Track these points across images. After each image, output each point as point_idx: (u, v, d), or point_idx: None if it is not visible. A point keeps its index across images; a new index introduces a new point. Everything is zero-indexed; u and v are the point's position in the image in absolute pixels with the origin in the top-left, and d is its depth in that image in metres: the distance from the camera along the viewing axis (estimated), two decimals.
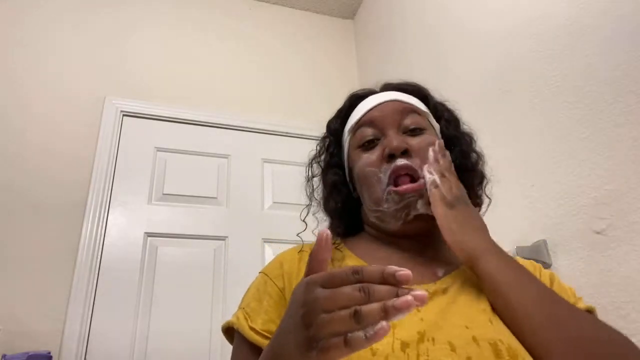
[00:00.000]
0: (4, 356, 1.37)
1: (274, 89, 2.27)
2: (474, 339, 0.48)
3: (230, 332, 0.63)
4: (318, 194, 0.78)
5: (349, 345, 0.34)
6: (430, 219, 0.61)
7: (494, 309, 0.54)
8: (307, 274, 0.41)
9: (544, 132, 1.14)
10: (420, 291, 0.34)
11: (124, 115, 1.95)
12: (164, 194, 1.89)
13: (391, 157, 0.63)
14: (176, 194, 1.90)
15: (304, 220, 0.75)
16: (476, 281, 0.59)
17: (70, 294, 1.59)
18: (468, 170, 0.71)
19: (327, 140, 0.78)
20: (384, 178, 0.63)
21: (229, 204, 1.94)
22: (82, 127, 1.86)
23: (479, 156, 0.74)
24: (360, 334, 0.34)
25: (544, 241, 1.07)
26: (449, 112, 0.76)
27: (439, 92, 0.77)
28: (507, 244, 1.06)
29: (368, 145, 0.67)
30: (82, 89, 1.93)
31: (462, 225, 0.58)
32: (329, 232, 0.41)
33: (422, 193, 0.61)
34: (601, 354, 0.48)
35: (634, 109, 0.91)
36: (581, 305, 0.60)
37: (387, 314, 0.34)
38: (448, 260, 0.64)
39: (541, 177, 1.13)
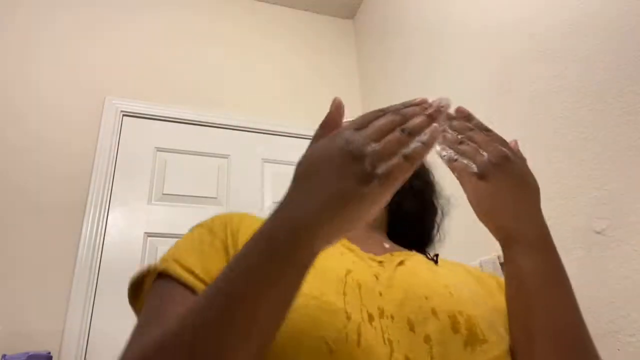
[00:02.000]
0: (4, 356, 1.37)
1: (273, 89, 2.27)
2: (433, 311, 0.46)
3: (137, 290, 0.51)
4: None
5: (410, 158, 0.34)
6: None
7: (508, 298, 0.50)
8: (321, 136, 0.40)
9: (544, 131, 1.14)
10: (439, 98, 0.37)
11: (124, 115, 1.95)
12: (164, 194, 1.88)
13: None
14: (176, 194, 1.90)
15: None
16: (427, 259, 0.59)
17: (70, 294, 1.59)
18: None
19: None
20: None
21: (228, 204, 1.93)
22: (82, 127, 1.86)
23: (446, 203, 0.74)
24: (417, 142, 0.34)
25: None
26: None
27: (439, 92, 0.76)
28: None
29: None
30: (82, 90, 1.93)
31: (496, 201, 0.49)
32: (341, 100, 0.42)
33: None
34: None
35: (634, 109, 0.91)
36: None
37: (432, 117, 0.35)
38: (391, 242, 0.65)
39: (541, 177, 1.12)
